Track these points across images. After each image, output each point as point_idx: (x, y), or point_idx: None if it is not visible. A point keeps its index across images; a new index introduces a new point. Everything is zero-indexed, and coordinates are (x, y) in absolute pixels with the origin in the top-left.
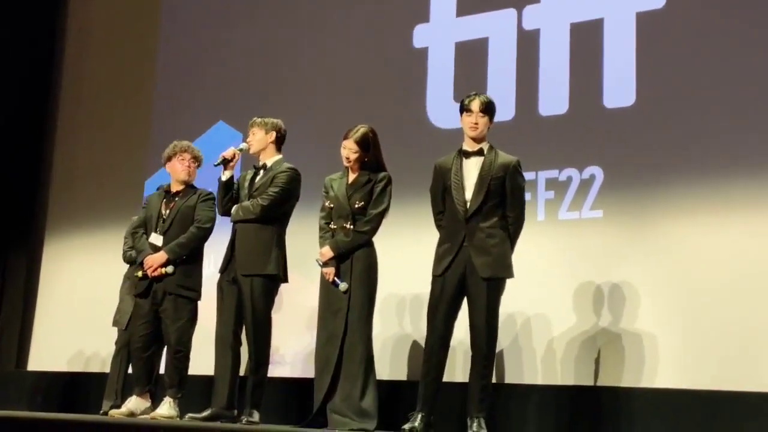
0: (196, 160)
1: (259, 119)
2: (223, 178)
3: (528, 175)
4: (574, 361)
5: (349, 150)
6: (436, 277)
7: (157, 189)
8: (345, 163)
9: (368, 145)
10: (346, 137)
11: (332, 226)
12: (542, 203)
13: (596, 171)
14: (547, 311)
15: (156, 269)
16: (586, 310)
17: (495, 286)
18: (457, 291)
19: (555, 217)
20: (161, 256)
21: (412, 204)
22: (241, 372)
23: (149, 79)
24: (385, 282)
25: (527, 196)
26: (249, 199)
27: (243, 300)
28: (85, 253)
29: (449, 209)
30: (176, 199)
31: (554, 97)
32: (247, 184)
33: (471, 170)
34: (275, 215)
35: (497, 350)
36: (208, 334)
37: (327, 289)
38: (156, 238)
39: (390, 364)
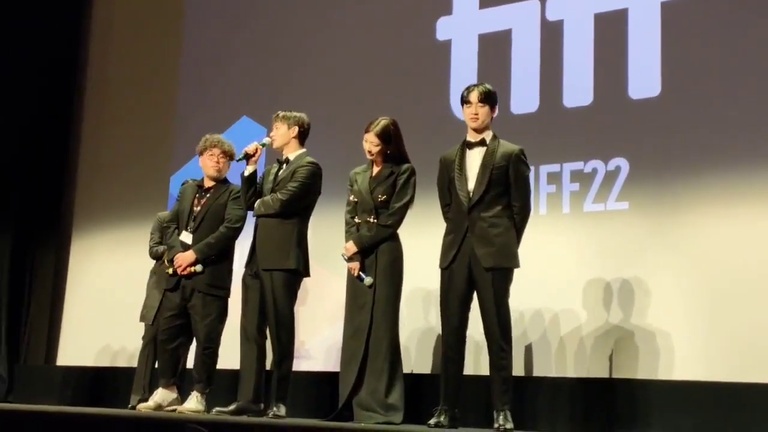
0: (226, 154)
1: (282, 114)
2: (246, 173)
3: (552, 167)
4: (603, 353)
5: (370, 143)
6: (443, 270)
7: (183, 183)
8: (368, 157)
9: (389, 137)
10: (367, 130)
11: (357, 220)
12: (567, 195)
13: (621, 162)
14: (574, 305)
15: (185, 268)
16: (613, 303)
17: (500, 276)
18: (467, 283)
19: (580, 210)
20: (190, 255)
21: (437, 196)
22: (268, 366)
23: (173, 76)
24: (411, 275)
25: (552, 188)
26: (271, 194)
27: (265, 294)
28: (112, 249)
29: (454, 200)
30: (207, 195)
31: (579, 88)
32: (271, 178)
33: (474, 161)
34: (295, 210)
35: (526, 343)
36: (234, 328)
37: (353, 283)
38: (186, 236)
39: (416, 357)
